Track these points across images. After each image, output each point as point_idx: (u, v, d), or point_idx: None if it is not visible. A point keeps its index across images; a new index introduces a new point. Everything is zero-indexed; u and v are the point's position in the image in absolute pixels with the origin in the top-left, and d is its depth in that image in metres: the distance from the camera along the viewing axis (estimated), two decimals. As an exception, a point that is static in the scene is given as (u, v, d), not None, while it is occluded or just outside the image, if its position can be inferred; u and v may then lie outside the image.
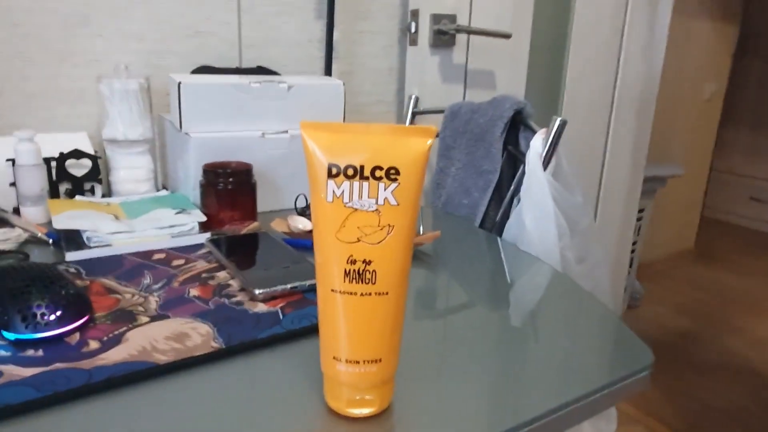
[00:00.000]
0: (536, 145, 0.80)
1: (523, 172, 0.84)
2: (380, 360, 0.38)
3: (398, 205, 0.35)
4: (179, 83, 0.81)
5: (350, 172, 0.35)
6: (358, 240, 0.35)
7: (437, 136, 1.09)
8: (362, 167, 0.35)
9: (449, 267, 0.72)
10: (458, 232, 0.86)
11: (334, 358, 0.38)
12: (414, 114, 1.19)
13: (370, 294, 0.36)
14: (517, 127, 0.94)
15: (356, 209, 0.35)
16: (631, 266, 2.20)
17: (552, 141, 0.78)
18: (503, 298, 0.64)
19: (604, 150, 1.56)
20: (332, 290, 0.37)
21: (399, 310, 0.38)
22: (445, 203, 1.01)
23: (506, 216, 0.89)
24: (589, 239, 0.83)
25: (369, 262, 0.36)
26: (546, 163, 0.78)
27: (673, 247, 2.96)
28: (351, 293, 0.36)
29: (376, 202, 0.35)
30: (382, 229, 0.35)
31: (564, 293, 0.66)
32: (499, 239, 0.81)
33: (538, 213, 0.77)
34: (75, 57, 0.91)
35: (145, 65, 0.96)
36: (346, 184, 0.35)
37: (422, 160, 0.36)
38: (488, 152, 0.91)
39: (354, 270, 0.36)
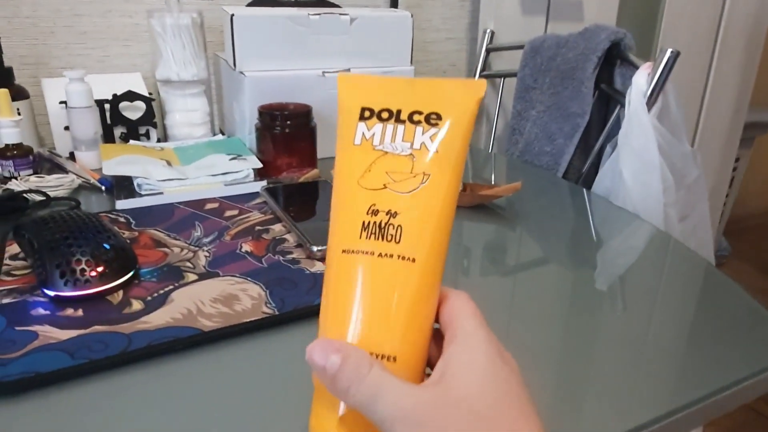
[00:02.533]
0: (639, 83, 0.67)
1: (618, 115, 0.72)
2: (394, 358, 0.26)
3: (437, 152, 0.28)
4: (232, 15, 0.73)
5: (385, 115, 0.29)
6: (384, 186, 0.28)
7: (515, 75, 0.97)
8: (399, 111, 0.29)
9: (527, 222, 0.63)
10: (538, 183, 0.76)
11: None
12: (488, 51, 1.07)
13: (390, 256, 0.26)
14: (612, 62, 0.81)
15: (386, 152, 0.28)
16: (720, 222, 2.01)
17: (660, 77, 0.66)
18: (590, 258, 0.55)
19: (703, 91, 1.38)
20: (343, 251, 0.27)
21: (428, 289, 0.27)
22: (524, 151, 0.91)
23: (595, 166, 0.78)
24: (695, 194, 0.71)
25: (394, 214, 0.27)
26: (651, 104, 0.66)
27: (765, 202, 2.70)
28: (366, 252, 0.27)
29: (411, 146, 0.28)
30: (415, 177, 0.28)
31: (670, 259, 0.56)
32: (585, 192, 0.71)
33: (639, 164, 0.66)
34: (126, -10, 0.85)
35: (198, -1, 0.89)
36: (378, 126, 0.29)
37: (470, 110, 0.29)
38: (577, 92, 0.79)
39: (375, 222, 0.27)
